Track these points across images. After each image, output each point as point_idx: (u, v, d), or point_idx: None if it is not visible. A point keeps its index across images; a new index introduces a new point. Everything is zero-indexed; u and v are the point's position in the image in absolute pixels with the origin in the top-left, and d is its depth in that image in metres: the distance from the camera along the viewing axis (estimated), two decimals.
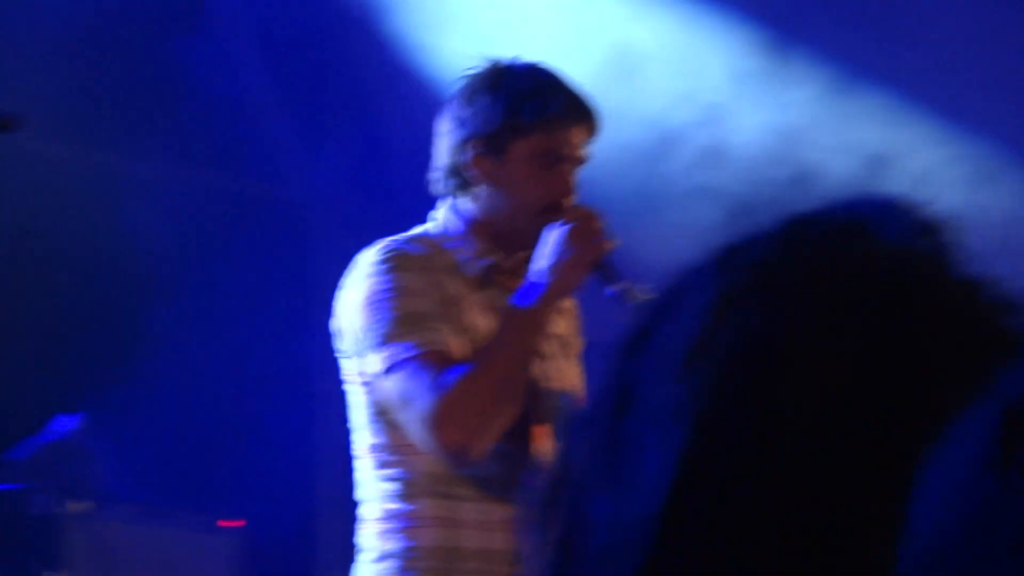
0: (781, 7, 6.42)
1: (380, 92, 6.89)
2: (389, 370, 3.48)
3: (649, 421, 0.85)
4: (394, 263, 3.53)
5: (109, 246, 6.37)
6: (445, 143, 3.65)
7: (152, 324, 6.37)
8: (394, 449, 3.58)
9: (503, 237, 3.64)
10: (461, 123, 3.64)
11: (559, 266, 3.51)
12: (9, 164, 5.93)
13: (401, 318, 3.49)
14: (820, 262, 0.87)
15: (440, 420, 3.43)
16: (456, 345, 3.50)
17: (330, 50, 6.87)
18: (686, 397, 0.85)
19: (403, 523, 3.59)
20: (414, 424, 3.47)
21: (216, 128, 6.69)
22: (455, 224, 3.65)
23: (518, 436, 3.59)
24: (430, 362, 3.45)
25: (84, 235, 6.32)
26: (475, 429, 3.44)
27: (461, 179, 3.65)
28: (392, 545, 3.58)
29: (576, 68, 3.85)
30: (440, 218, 3.67)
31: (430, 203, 3.72)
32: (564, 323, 3.73)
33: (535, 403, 3.61)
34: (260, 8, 6.74)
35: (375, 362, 3.49)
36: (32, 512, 5.35)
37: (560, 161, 3.59)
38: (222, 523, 5.79)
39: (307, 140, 7.01)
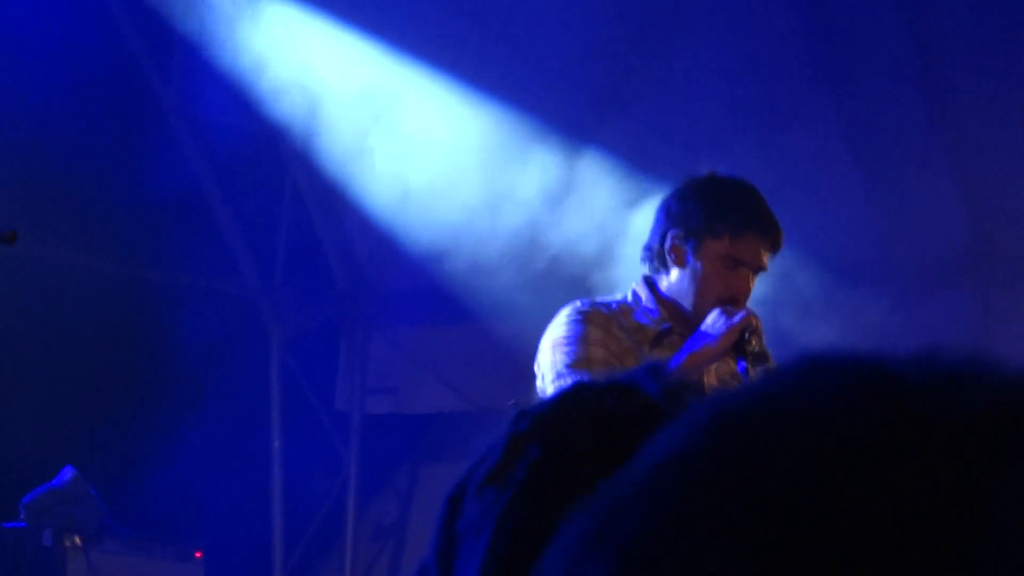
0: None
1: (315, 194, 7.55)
2: None
3: (461, 539, 1.01)
4: (581, 317, 4.15)
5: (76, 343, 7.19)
6: (654, 228, 4.25)
7: (139, 398, 7.31)
8: None
9: (680, 314, 4.20)
10: (670, 215, 4.21)
11: (711, 337, 4.04)
12: None
13: (573, 361, 4.07)
14: (584, 413, 1.05)
15: None
16: None
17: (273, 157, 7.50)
18: (482, 513, 1.01)
19: None
20: None
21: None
22: (646, 294, 4.23)
23: None
24: None
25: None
26: None
27: (659, 260, 4.22)
28: None
29: None
30: (635, 287, 4.26)
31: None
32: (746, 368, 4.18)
33: None
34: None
35: (549, 392, 4.00)
36: (42, 545, 6.23)
37: (741, 265, 4.14)
38: (198, 553, 6.69)
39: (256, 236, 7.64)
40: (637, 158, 6.76)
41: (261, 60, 6.90)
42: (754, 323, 4.01)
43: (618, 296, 4.24)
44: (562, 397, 1.06)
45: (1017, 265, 7.06)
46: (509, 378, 6.30)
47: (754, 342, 4.02)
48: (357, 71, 6.92)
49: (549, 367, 4.09)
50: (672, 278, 4.19)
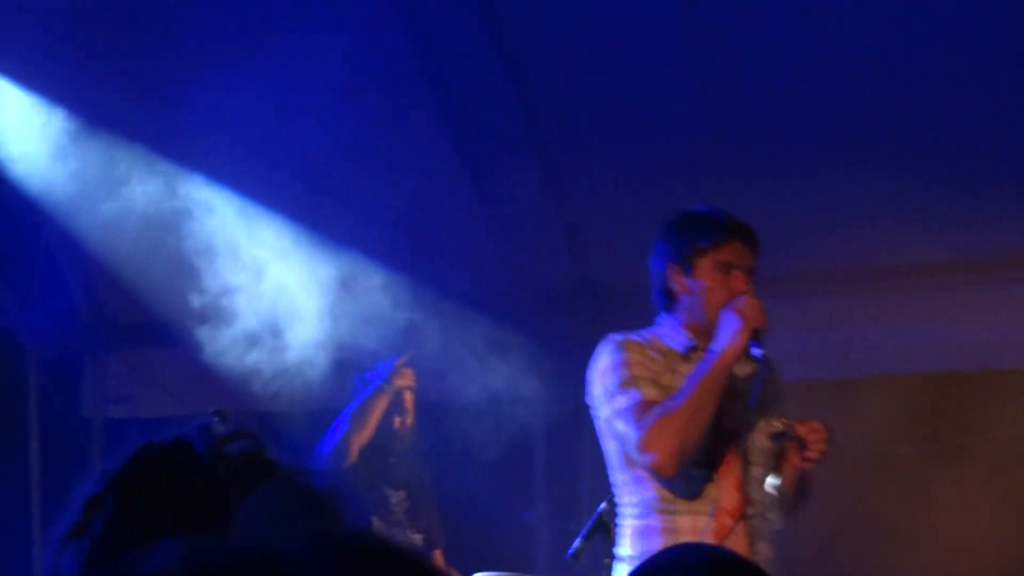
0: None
1: None
2: (613, 418, 4.45)
3: None
4: (621, 346, 4.56)
5: None
6: (654, 274, 4.68)
7: None
8: (633, 481, 4.55)
9: (701, 329, 4.56)
10: (662, 256, 4.65)
11: (727, 334, 4.40)
12: None
13: (622, 382, 4.46)
14: (149, 469, 1.14)
15: (644, 447, 4.36)
16: (660, 398, 4.41)
17: None
18: (67, 565, 1.08)
19: (639, 533, 4.55)
20: (630, 452, 4.44)
21: None
22: (668, 322, 4.64)
23: (710, 465, 4.52)
24: (639, 408, 4.39)
25: None
26: (671, 451, 4.32)
27: (668, 296, 4.65)
28: (635, 550, 4.53)
29: None
30: (660, 323, 4.67)
31: None
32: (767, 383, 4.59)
33: (723, 438, 4.53)
34: None
35: (605, 413, 4.49)
36: None
37: (732, 268, 4.54)
38: None
39: None
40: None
41: None
42: (756, 303, 4.42)
43: (647, 329, 4.67)
44: (131, 456, 1.14)
45: (613, 298, 8.02)
46: (218, 386, 7.42)
47: (763, 323, 4.42)
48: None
49: (602, 394, 4.52)
50: (683, 305, 4.60)
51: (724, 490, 4.53)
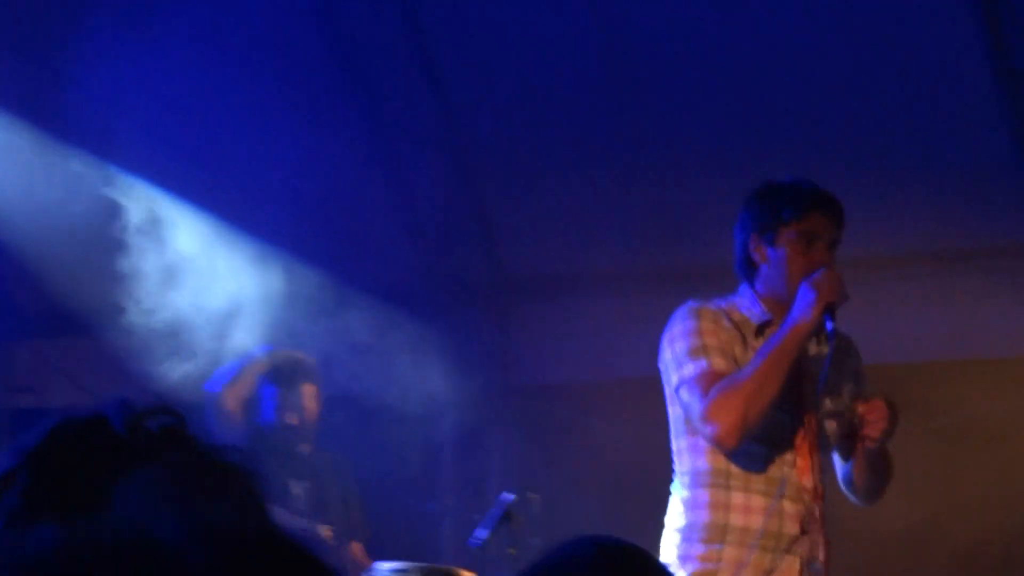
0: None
1: None
2: (679, 386, 4.43)
3: None
4: (695, 313, 4.53)
5: None
6: (737, 245, 4.62)
7: None
8: (689, 450, 4.54)
9: (778, 301, 4.53)
10: (745, 225, 4.59)
11: (802, 306, 4.38)
12: None
13: (690, 349, 4.45)
14: (65, 444, 1.09)
15: (708, 417, 4.33)
16: (729, 369, 4.40)
17: None
18: None
19: (691, 506, 4.53)
20: (695, 422, 4.39)
21: None
22: (748, 294, 4.59)
23: (775, 444, 4.49)
24: (704, 378, 4.37)
25: None
26: (734, 424, 4.29)
27: (749, 266, 4.60)
28: (682, 522, 4.53)
29: None
30: (740, 293, 4.61)
31: None
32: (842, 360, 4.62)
33: (792, 418, 4.51)
34: None
35: (674, 380, 4.47)
36: None
37: (815, 240, 4.50)
38: None
39: None
40: None
41: None
42: (836, 276, 4.40)
43: (724, 298, 4.64)
44: (48, 431, 1.11)
45: (524, 289, 8.19)
46: (127, 377, 7.34)
47: (840, 297, 4.40)
48: None
49: (671, 360, 4.50)
50: (763, 275, 4.57)
51: (801, 472, 4.49)
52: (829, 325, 4.39)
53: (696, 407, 4.36)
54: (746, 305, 4.58)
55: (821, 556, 4.51)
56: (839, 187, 6.95)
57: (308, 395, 6.95)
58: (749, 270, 4.61)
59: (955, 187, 7.35)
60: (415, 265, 8.22)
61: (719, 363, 4.41)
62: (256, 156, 7.56)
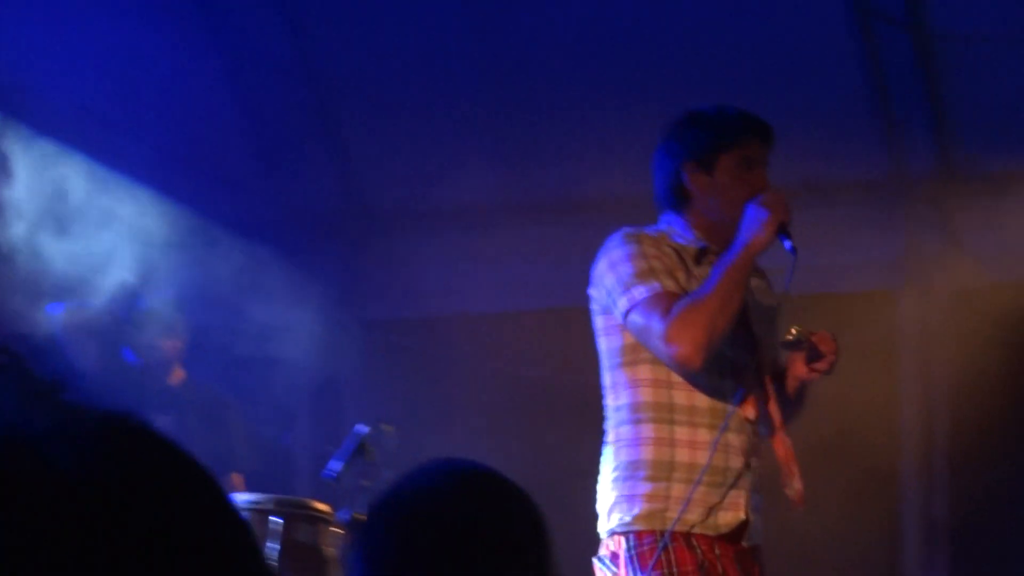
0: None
1: None
2: (629, 310, 4.25)
3: None
4: (634, 238, 4.37)
5: None
6: (661, 175, 4.49)
7: None
8: (628, 383, 4.36)
9: (719, 229, 4.40)
10: (676, 154, 4.47)
11: (753, 227, 4.27)
12: None
13: (637, 272, 4.28)
14: None
15: (671, 337, 4.18)
16: (680, 291, 4.27)
17: None
18: None
19: (633, 442, 4.34)
20: (654, 344, 4.23)
21: None
22: (680, 223, 4.46)
23: (722, 374, 4.37)
24: (660, 299, 4.23)
25: None
26: (699, 342, 4.17)
27: (678, 195, 4.47)
28: (624, 459, 4.35)
29: None
30: (668, 222, 4.47)
31: None
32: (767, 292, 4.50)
33: (737, 348, 4.39)
34: None
35: (622, 305, 4.27)
36: None
37: (753, 165, 4.43)
38: None
39: None
40: None
41: None
42: (781, 197, 4.31)
43: (650, 228, 4.47)
44: None
45: (381, 222, 8.21)
46: None
47: (789, 217, 4.31)
48: None
49: (615, 284, 4.32)
50: (698, 204, 4.46)
51: (745, 404, 4.40)
52: (789, 244, 4.31)
53: (656, 327, 4.21)
54: (678, 233, 4.46)
55: (754, 483, 4.43)
56: None
57: (157, 336, 6.95)
58: (679, 199, 4.48)
59: (810, 124, 7.43)
60: (272, 198, 8.19)
61: (671, 284, 4.28)
62: (119, 95, 7.49)
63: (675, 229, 4.46)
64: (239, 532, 1.03)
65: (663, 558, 4.23)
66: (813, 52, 7.41)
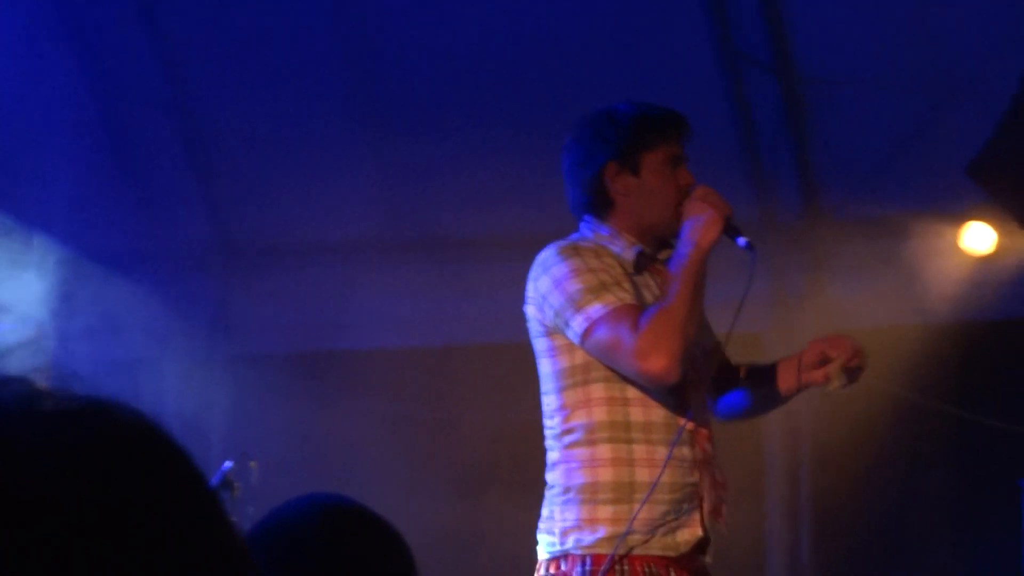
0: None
1: None
2: (591, 327, 4.01)
3: None
4: (570, 252, 4.12)
5: None
6: (576, 178, 4.23)
7: None
8: (580, 403, 4.13)
9: (650, 231, 4.21)
10: (594, 158, 4.20)
11: (698, 226, 4.09)
12: None
13: (587, 288, 4.04)
14: None
15: (645, 352, 3.96)
16: (635, 302, 4.05)
17: None
18: None
19: (589, 463, 4.13)
20: (626, 361, 4.00)
21: None
22: (601, 229, 4.23)
23: (669, 388, 4.11)
24: (625, 313, 4.00)
25: None
26: (675, 355, 3.96)
27: (598, 198, 4.22)
28: (580, 481, 4.13)
29: None
30: (591, 230, 4.24)
31: None
32: None
33: (687, 361, 4.09)
34: None
35: (578, 324, 4.03)
36: None
37: (678, 162, 4.23)
38: None
39: None
40: None
41: None
42: (714, 191, 4.15)
43: (577, 237, 4.26)
44: None
45: (251, 257, 8.21)
46: None
47: (730, 212, 4.13)
48: None
49: (564, 304, 4.08)
50: (625, 207, 4.22)
51: (695, 415, 4.19)
52: (742, 241, 4.17)
53: (627, 343, 3.97)
54: (607, 240, 4.23)
55: (717, 496, 4.26)
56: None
57: (19, 370, 6.87)
58: (602, 204, 4.23)
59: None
60: (143, 233, 8.13)
61: (627, 296, 4.06)
62: None
63: (603, 236, 4.23)
64: (215, 508, 1.03)
65: None
66: (682, 94, 7.43)
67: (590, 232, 4.23)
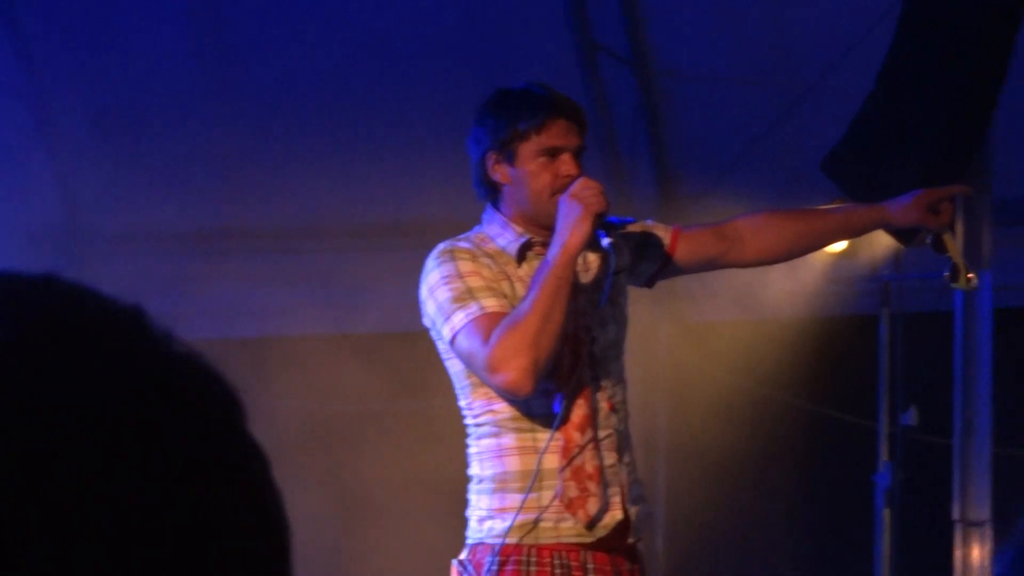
0: None
1: None
2: (454, 339, 4.04)
3: None
4: (446, 257, 4.11)
5: None
6: (472, 163, 4.21)
7: None
8: (483, 396, 4.14)
9: (533, 222, 4.15)
10: (480, 142, 4.17)
11: (567, 223, 3.97)
12: None
13: (455, 296, 4.04)
14: None
15: (494, 367, 3.95)
16: (503, 308, 4.03)
17: None
18: None
19: (497, 453, 4.14)
20: (481, 375, 4.03)
21: None
22: (497, 219, 4.19)
23: (566, 374, 4.13)
24: (480, 325, 3.98)
25: None
26: (525, 368, 3.93)
27: (490, 187, 4.19)
28: (491, 471, 4.15)
29: None
30: (484, 219, 4.23)
31: None
32: (600, 281, 4.18)
33: (568, 347, 4.11)
34: None
35: (447, 334, 4.06)
36: None
37: (558, 152, 4.10)
38: None
39: None
40: None
41: None
42: (594, 185, 4.03)
43: (472, 231, 4.24)
44: None
45: (102, 244, 8.08)
46: None
47: (605, 206, 4.03)
48: None
49: (437, 313, 4.10)
50: (508, 196, 4.17)
51: (573, 401, 4.13)
52: (605, 241, 4.03)
53: (479, 357, 3.98)
54: (497, 232, 4.20)
55: (630, 476, 4.25)
56: (412, 151, 7.31)
57: None
58: (490, 191, 4.20)
59: None
60: None
61: (492, 304, 4.03)
62: None
63: (495, 227, 4.20)
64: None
65: (523, 572, 4.06)
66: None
67: (484, 223, 4.23)
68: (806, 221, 4.55)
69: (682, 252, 4.41)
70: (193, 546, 0.88)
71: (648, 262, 4.41)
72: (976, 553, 5.66)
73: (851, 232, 4.78)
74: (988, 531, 5.66)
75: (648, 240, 4.40)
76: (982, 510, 5.67)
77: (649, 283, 4.49)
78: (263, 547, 0.92)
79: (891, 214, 4.51)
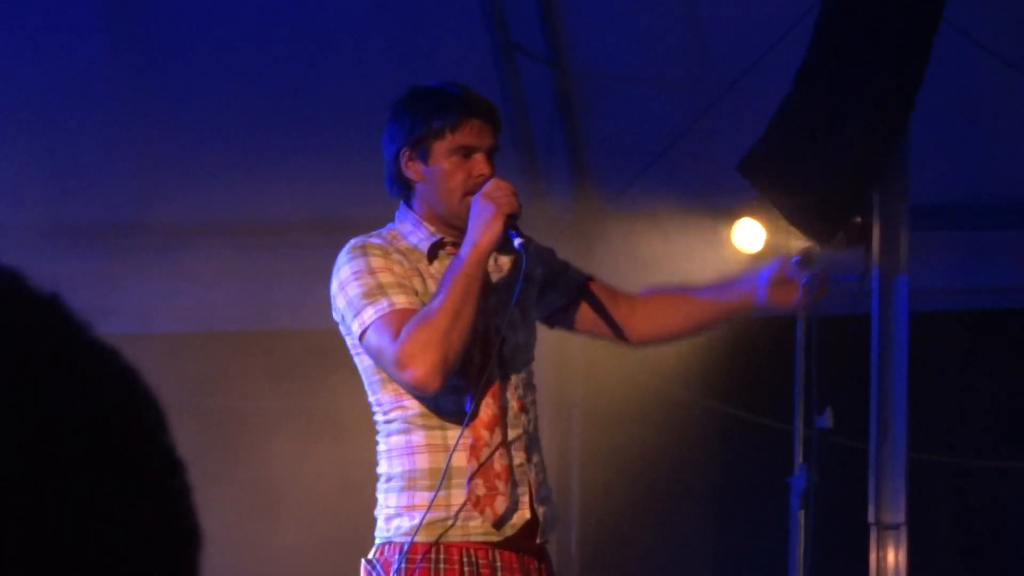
0: None
1: None
2: (363, 334, 4.06)
3: None
4: (357, 252, 4.12)
5: None
6: (385, 159, 4.22)
7: None
8: (392, 393, 4.17)
9: (445, 221, 4.17)
10: (394, 139, 4.18)
11: (479, 223, 4.01)
12: None
13: (365, 292, 4.06)
14: None
15: (403, 362, 3.98)
16: (413, 305, 4.06)
17: None
18: None
19: (406, 451, 4.16)
20: (389, 371, 4.05)
21: None
22: (410, 217, 4.21)
23: (474, 374, 4.14)
24: (390, 320, 4.01)
25: None
26: (434, 364, 3.95)
27: (403, 184, 4.22)
28: (399, 469, 4.17)
29: None
30: (396, 217, 4.23)
31: None
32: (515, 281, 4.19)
33: (478, 347, 4.13)
34: None
35: (356, 329, 4.08)
36: None
37: (472, 151, 4.12)
38: None
39: None
40: None
41: None
42: (506, 186, 4.09)
43: (384, 227, 4.26)
44: None
45: (14, 237, 7.59)
46: None
47: (517, 207, 4.09)
48: None
49: (347, 309, 4.11)
50: (421, 194, 4.19)
51: (482, 400, 4.15)
52: (517, 241, 4.08)
53: (387, 353, 4.00)
54: (409, 230, 4.22)
55: (539, 476, 4.26)
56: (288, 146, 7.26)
57: None
58: (403, 189, 4.23)
59: None
60: None
61: (402, 300, 4.05)
62: None
63: (407, 225, 4.22)
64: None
65: (431, 570, 4.08)
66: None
67: (397, 221, 4.24)
68: (693, 306, 4.60)
69: (590, 302, 4.46)
70: (103, 545, 0.85)
71: (557, 293, 4.46)
72: (891, 556, 5.68)
73: (725, 317, 4.80)
74: (903, 534, 5.68)
75: (565, 271, 4.48)
76: (897, 513, 5.69)
77: (550, 320, 4.51)
78: (175, 554, 0.90)
79: (756, 301, 4.61)
